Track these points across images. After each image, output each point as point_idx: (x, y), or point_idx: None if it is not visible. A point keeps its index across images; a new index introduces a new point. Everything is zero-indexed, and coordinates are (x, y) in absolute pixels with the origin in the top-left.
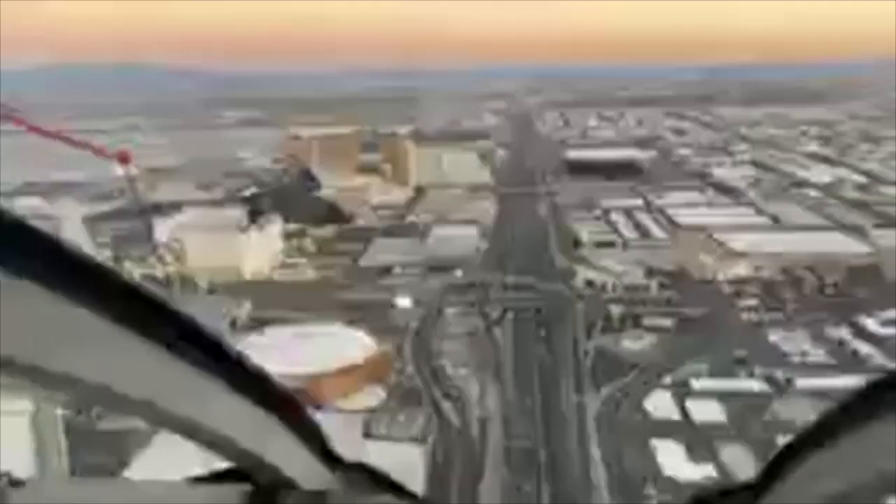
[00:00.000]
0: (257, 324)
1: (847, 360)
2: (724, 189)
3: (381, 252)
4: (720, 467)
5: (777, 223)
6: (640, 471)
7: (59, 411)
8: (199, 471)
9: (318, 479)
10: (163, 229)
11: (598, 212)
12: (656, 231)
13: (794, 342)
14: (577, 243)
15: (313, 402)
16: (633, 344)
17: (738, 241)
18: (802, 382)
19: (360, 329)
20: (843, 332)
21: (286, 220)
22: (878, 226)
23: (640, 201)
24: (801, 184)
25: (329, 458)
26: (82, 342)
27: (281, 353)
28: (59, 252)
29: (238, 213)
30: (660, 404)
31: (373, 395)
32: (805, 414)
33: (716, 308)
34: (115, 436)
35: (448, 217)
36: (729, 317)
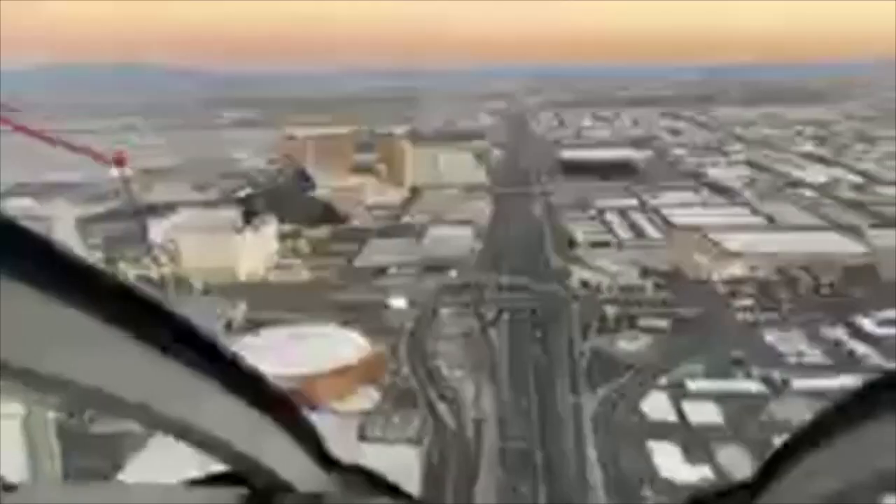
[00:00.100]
0: (252, 325)
1: (843, 361)
2: (719, 189)
3: (376, 253)
4: (717, 468)
5: (772, 223)
6: (637, 472)
7: (52, 414)
8: (195, 474)
9: (314, 482)
10: (157, 230)
11: (592, 212)
12: (651, 231)
13: (790, 343)
14: (571, 243)
15: (308, 404)
16: (628, 345)
17: (734, 242)
18: (799, 383)
19: (355, 330)
20: (840, 333)
21: (281, 220)
22: (874, 226)
23: (634, 201)
24: (797, 184)
25: (325, 460)
26: (75, 344)
27: (275, 354)
28: (50, 253)
29: (233, 214)
30: (656, 405)
31: (367, 397)
32: (802, 414)
33: (711, 308)
34: (108, 439)
35: (443, 217)
36: (724, 317)
